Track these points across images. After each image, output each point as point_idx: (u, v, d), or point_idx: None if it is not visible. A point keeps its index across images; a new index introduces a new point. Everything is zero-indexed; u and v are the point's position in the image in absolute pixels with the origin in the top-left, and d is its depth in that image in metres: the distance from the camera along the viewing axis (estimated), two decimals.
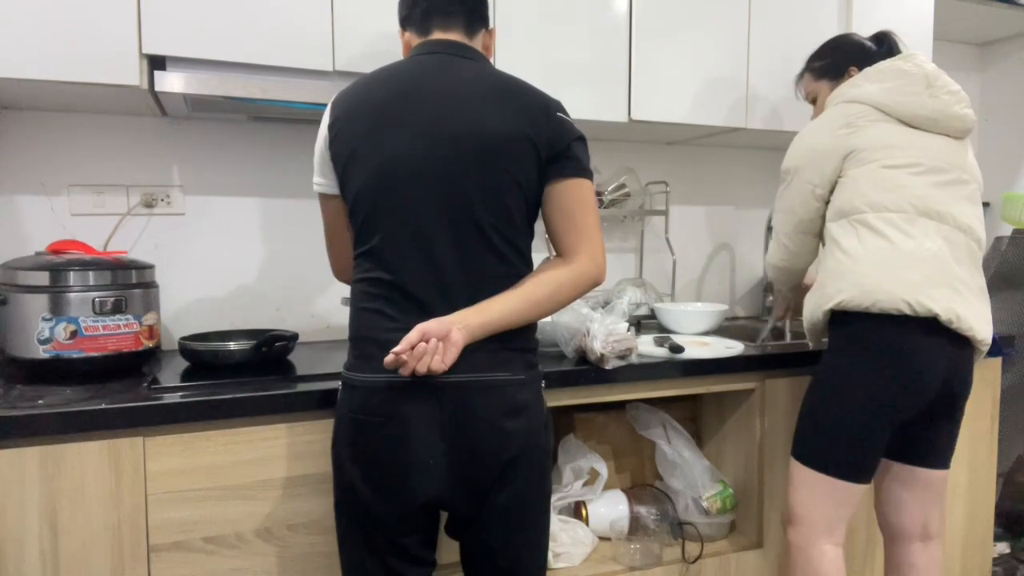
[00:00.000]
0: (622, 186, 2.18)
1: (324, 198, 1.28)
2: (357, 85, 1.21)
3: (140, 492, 1.23)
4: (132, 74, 1.44)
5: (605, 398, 1.58)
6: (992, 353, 1.99)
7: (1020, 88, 2.81)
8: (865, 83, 1.55)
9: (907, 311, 1.37)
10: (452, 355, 1.08)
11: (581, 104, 1.84)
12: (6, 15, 1.36)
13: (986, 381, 2.04)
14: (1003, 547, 2.43)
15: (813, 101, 1.74)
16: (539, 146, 1.16)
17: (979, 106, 2.95)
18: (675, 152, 2.38)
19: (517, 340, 1.17)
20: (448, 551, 1.47)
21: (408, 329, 1.08)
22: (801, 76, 1.77)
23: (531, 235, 1.23)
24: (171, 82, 1.46)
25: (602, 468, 1.76)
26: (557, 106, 1.21)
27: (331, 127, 1.20)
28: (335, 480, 1.19)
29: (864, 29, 2.18)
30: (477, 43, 1.27)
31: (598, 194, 2.15)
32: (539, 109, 1.17)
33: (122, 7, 1.43)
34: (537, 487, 1.19)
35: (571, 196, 1.19)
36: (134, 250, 1.79)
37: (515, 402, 1.14)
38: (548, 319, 1.65)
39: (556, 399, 1.52)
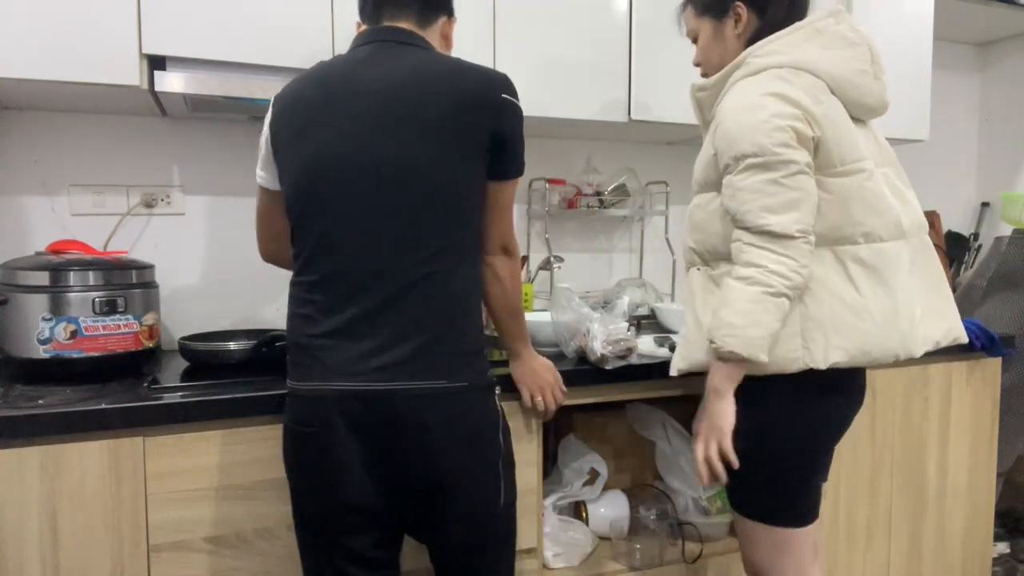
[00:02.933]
0: (622, 186, 2.18)
1: (264, 191, 1.28)
2: (295, 82, 1.19)
3: (140, 492, 1.23)
4: (132, 74, 1.44)
5: (605, 398, 1.58)
6: (992, 353, 1.99)
7: (1020, 88, 2.81)
8: (806, 45, 1.24)
9: (892, 361, 1.25)
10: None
11: (581, 104, 1.84)
12: (6, 15, 1.36)
13: (986, 381, 2.04)
14: (1003, 547, 2.43)
15: (695, 40, 1.42)
16: (483, 134, 1.11)
17: (979, 106, 2.94)
18: (675, 152, 2.38)
19: (458, 342, 1.11)
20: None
21: (336, 333, 1.08)
22: (684, 8, 1.43)
23: (477, 227, 1.17)
24: (171, 82, 1.46)
25: (602, 468, 1.76)
26: (503, 85, 1.14)
27: (271, 124, 1.18)
28: (289, 488, 1.18)
29: (865, 29, 2.18)
30: (433, 32, 1.21)
31: (598, 194, 2.15)
32: (481, 93, 1.11)
33: (122, 7, 1.43)
34: (483, 502, 1.14)
35: (507, 197, 1.20)
36: (134, 250, 1.79)
37: (449, 414, 1.09)
38: (548, 319, 1.65)
39: None
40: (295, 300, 1.16)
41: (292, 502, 1.18)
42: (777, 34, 1.26)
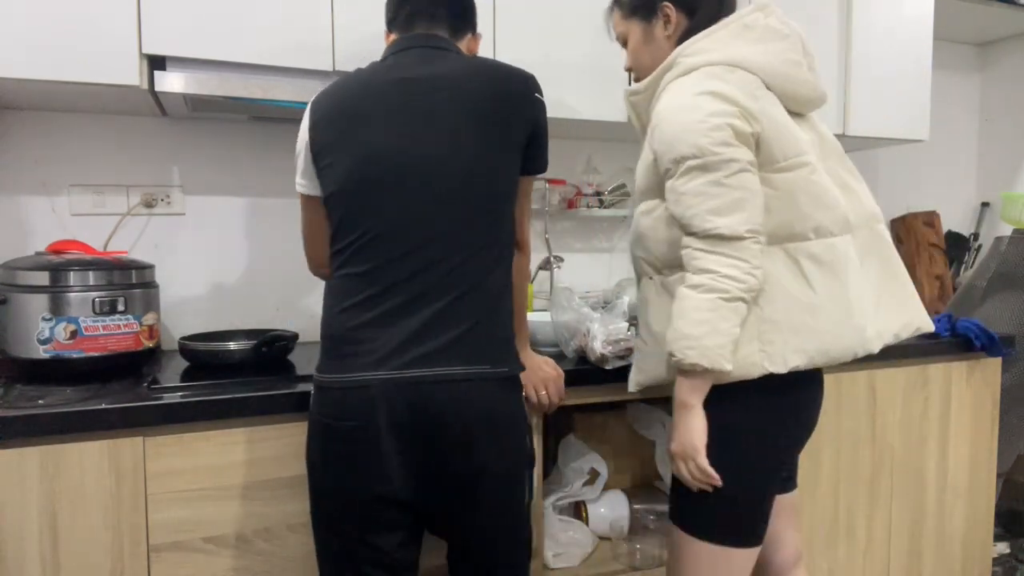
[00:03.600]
0: (622, 186, 2.18)
1: (307, 199, 1.25)
2: (336, 86, 1.20)
3: (140, 492, 1.23)
4: (132, 74, 1.44)
5: (605, 398, 1.57)
6: (992, 353, 1.99)
7: (1020, 88, 2.81)
8: (735, 41, 1.20)
9: (851, 359, 1.19)
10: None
11: (581, 104, 1.84)
12: (6, 15, 1.36)
13: (986, 381, 2.04)
14: (1003, 547, 2.43)
15: (625, 43, 1.37)
16: (522, 132, 1.17)
17: (979, 106, 2.95)
18: None
19: (497, 330, 1.15)
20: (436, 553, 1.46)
21: (381, 323, 1.09)
22: (611, 11, 1.38)
23: (509, 224, 1.21)
24: (171, 82, 1.46)
25: (602, 468, 1.76)
26: (536, 85, 1.21)
27: (312, 128, 1.19)
28: (311, 488, 1.17)
29: (864, 29, 2.18)
30: (461, 45, 1.27)
31: (598, 194, 2.15)
32: (522, 90, 1.18)
33: (122, 7, 1.43)
34: (510, 495, 1.17)
35: (529, 190, 1.27)
36: (134, 250, 1.79)
37: (491, 399, 1.12)
38: (548, 319, 1.65)
39: None
40: (337, 292, 1.15)
41: (314, 502, 1.17)
42: (705, 32, 1.22)
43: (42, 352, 1.37)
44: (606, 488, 1.78)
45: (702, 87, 1.15)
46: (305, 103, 1.55)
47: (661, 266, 1.27)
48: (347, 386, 1.10)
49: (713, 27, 1.22)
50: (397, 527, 1.14)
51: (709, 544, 1.20)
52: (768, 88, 1.19)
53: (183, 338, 1.57)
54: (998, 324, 2.21)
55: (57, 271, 1.39)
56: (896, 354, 1.89)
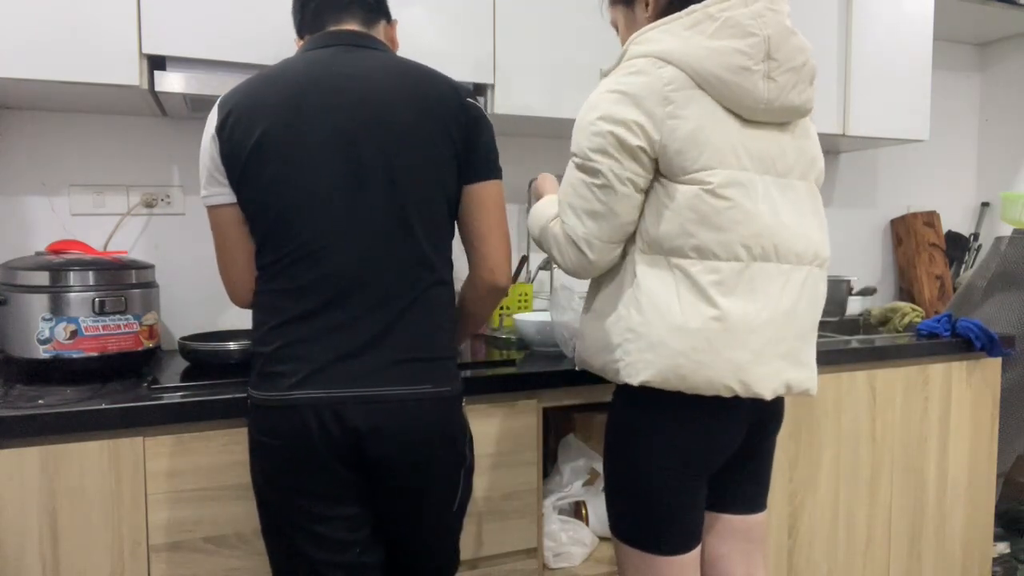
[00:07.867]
0: None
1: (219, 210, 1.14)
2: (248, 85, 1.11)
3: (140, 492, 1.23)
4: (132, 74, 1.44)
5: (605, 398, 1.57)
6: (992, 353, 1.99)
7: (1020, 88, 2.81)
8: (686, 32, 1.10)
9: (727, 394, 1.11)
10: None
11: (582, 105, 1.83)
12: (6, 15, 1.36)
13: (986, 381, 2.04)
14: (1003, 547, 2.43)
15: (618, 30, 1.33)
16: (454, 138, 1.12)
17: (979, 106, 2.95)
18: None
19: (439, 348, 1.12)
20: None
21: (316, 341, 1.05)
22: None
23: (452, 234, 1.19)
24: (171, 82, 1.46)
25: (602, 468, 1.76)
26: (463, 90, 1.15)
27: (220, 130, 1.09)
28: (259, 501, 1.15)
29: (865, 29, 2.19)
30: (378, 33, 1.20)
31: None
32: (444, 95, 1.12)
33: (122, 7, 1.43)
34: (443, 507, 1.16)
35: (485, 198, 1.17)
36: (134, 250, 1.79)
37: (432, 420, 1.09)
38: (548, 319, 1.65)
39: (556, 399, 1.52)
40: (267, 310, 1.10)
41: (262, 513, 1.15)
42: (666, 19, 1.14)
43: (42, 352, 1.37)
44: None
45: (615, 84, 1.12)
46: None
47: None
48: (278, 405, 1.05)
49: (678, 13, 1.13)
50: (347, 523, 1.11)
51: (629, 547, 1.22)
52: (701, 87, 1.10)
53: (183, 338, 1.57)
54: (998, 324, 2.20)
55: (57, 271, 1.39)
56: (896, 354, 1.89)
